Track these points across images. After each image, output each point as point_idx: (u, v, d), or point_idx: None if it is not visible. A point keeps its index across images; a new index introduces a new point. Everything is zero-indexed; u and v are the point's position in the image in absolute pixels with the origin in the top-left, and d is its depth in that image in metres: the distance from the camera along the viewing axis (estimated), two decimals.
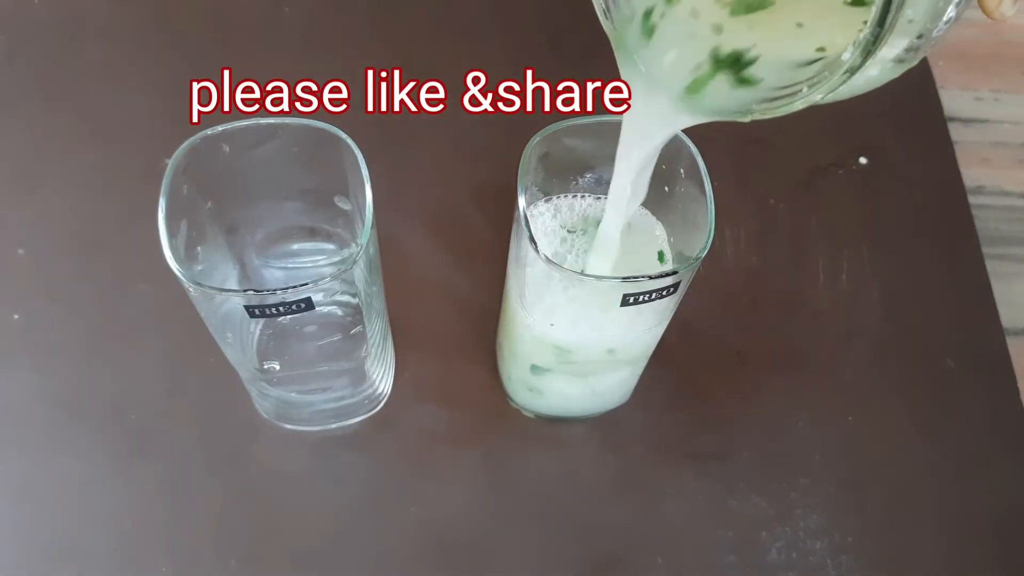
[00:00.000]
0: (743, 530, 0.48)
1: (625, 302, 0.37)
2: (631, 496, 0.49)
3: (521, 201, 0.37)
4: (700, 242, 0.37)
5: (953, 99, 0.64)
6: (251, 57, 0.61)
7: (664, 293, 0.37)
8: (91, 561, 0.45)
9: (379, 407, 0.50)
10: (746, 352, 0.53)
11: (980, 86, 0.65)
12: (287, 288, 0.34)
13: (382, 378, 0.49)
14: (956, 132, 0.62)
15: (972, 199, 0.59)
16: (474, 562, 0.46)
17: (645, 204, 0.40)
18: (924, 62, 0.64)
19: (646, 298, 0.37)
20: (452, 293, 0.54)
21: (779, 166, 0.59)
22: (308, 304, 0.35)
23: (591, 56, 0.63)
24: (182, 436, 0.48)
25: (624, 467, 0.49)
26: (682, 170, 0.39)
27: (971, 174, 0.61)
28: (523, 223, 0.37)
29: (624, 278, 0.36)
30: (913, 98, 0.63)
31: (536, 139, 0.38)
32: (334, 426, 0.49)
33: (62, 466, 0.47)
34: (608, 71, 0.66)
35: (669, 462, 0.49)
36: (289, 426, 0.49)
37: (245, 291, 0.35)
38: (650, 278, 0.35)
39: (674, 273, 0.36)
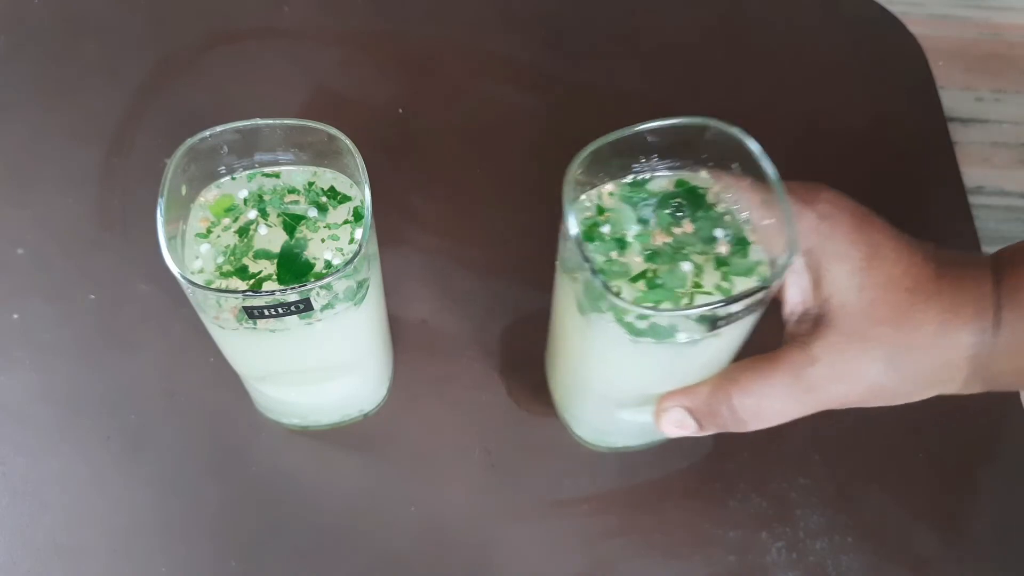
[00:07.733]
0: (743, 530, 0.48)
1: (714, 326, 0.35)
2: (631, 496, 0.49)
3: (572, 221, 0.35)
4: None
5: (953, 99, 0.64)
6: (251, 57, 0.61)
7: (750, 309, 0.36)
8: (90, 560, 0.45)
9: (379, 407, 0.50)
10: (746, 352, 0.53)
11: (980, 86, 0.65)
12: (286, 289, 0.34)
13: (382, 378, 0.49)
14: (956, 132, 0.62)
15: (972, 199, 0.59)
16: (473, 562, 0.46)
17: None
18: (924, 62, 0.64)
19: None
20: (452, 293, 0.54)
21: (778, 166, 0.59)
22: (307, 305, 0.35)
23: (591, 56, 0.63)
24: (182, 435, 0.48)
25: (624, 467, 0.49)
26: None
27: (971, 174, 0.60)
28: (577, 247, 0.34)
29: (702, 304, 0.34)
30: (913, 98, 0.63)
31: (576, 161, 0.36)
32: (334, 426, 0.49)
33: (61, 465, 0.47)
34: (608, 71, 0.66)
35: (670, 462, 0.49)
36: (289, 426, 0.49)
37: (243, 292, 0.35)
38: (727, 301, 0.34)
39: (763, 289, 0.34)
